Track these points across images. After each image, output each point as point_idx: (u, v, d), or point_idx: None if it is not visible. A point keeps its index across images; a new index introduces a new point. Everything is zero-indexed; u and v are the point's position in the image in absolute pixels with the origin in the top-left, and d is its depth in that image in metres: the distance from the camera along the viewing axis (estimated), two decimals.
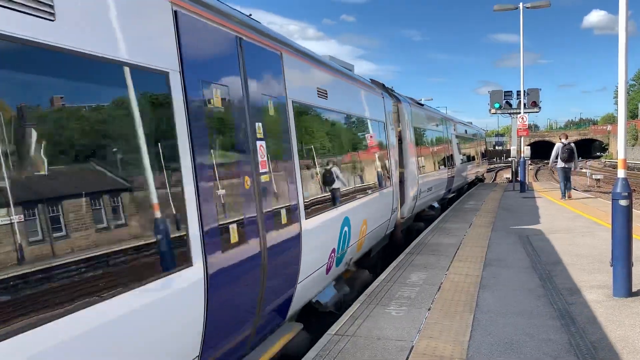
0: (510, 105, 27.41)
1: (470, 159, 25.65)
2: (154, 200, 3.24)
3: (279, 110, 5.21)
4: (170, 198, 3.36)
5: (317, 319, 6.55)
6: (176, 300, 3.35)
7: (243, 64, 4.49)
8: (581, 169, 42.26)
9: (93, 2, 2.90)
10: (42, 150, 2.57)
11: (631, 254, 6.50)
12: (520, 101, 24.16)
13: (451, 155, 19.36)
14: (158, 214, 3.26)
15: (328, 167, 6.74)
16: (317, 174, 6.28)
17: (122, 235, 2.98)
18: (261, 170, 4.60)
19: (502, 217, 14.19)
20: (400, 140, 11.82)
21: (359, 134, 8.62)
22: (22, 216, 2.42)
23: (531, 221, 13.29)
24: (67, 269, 2.61)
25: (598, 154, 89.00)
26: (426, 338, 5.32)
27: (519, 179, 22.57)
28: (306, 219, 5.52)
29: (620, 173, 6.56)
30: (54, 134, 2.68)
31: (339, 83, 7.70)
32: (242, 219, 4.19)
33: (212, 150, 3.89)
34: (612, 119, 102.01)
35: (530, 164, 43.00)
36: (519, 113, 23.44)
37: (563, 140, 17.39)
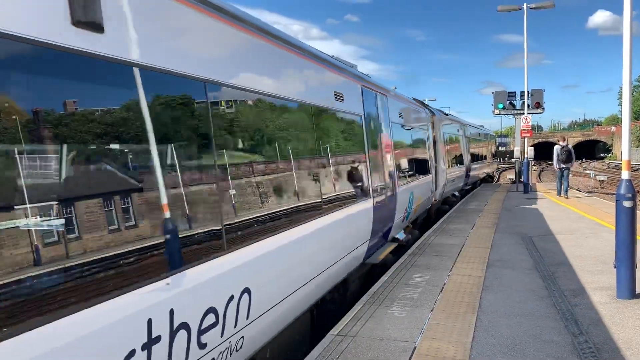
0: (514, 106, 27.32)
1: (483, 157, 29.46)
2: (362, 171, 7.52)
3: (387, 127, 9.52)
4: (364, 170, 7.59)
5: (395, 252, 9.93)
6: (365, 212, 7.38)
7: (376, 104, 8.86)
8: (584, 170, 42.20)
9: (351, 94, 7.43)
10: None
11: (635, 256, 6.49)
12: (524, 102, 24.05)
13: (469, 154, 23.10)
14: (364, 177, 7.56)
15: (404, 160, 10.82)
16: (399, 163, 10.25)
17: (350, 189, 6.96)
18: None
19: (505, 218, 14.17)
20: (434, 143, 15.30)
21: (416, 139, 12.71)
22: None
23: (534, 222, 13.27)
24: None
25: (602, 155, 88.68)
26: (429, 339, 5.31)
27: (522, 180, 22.54)
28: (398, 187, 9.61)
29: (625, 174, 6.54)
30: (337, 145, 6.84)
31: (405, 106, 11.89)
32: (382, 183, 8.47)
33: (371, 149, 8.04)
34: (616, 120, 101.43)
35: (534, 165, 42.86)
36: (523, 114, 23.38)
37: (561, 142, 18.84)
